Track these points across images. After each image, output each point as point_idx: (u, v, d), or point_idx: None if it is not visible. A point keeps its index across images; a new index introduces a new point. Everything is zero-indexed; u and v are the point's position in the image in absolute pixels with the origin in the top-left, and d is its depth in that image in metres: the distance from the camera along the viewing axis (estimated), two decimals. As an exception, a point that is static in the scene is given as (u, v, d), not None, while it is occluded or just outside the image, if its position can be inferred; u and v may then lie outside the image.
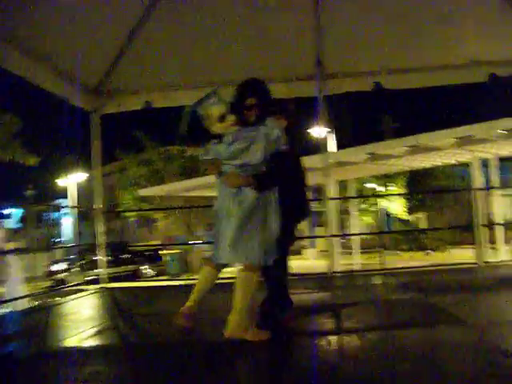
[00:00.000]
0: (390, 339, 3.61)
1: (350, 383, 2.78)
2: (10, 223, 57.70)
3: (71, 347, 3.88)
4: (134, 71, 7.29)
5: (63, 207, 45.09)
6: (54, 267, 22.25)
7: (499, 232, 13.98)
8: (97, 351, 3.74)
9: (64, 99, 7.05)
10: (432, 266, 11.68)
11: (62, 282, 20.42)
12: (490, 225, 15.36)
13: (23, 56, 5.71)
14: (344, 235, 23.55)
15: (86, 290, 7.41)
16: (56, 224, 51.00)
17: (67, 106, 7.27)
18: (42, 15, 5.57)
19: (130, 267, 22.88)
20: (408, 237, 27.17)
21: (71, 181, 28.53)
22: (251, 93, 3.74)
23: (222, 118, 3.67)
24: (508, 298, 4.90)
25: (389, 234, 28.06)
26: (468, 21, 6.49)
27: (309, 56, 7.17)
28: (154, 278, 18.77)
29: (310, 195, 4.39)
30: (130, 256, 23.51)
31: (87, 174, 28.40)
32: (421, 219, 32.23)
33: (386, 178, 28.30)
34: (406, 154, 13.44)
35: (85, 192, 30.94)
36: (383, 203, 26.95)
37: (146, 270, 24.24)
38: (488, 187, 15.46)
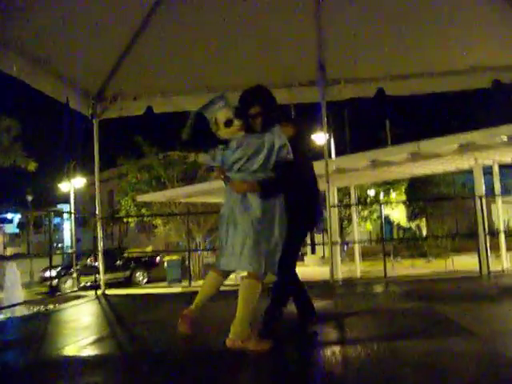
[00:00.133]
0: (394, 349, 3.53)
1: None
2: (11, 228, 57.75)
3: (69, 356, 3.82)
4: (136, 76, 7.25)
5: (62, 213, 45.09)
6: (48, 273, 22.15)
7: (502, 240, 13.88)
8: (95, 360, 3.67)
9: (65, 104, 6.99)
10: (435, 273, 11.62)
11: (56, 288, 20.38)
12: (493, 233, 15.29)
13: (24, 60, 5.66)
14: (345, 243, 23.48)
15: (84, 297, 7.36)
16: (56, 229, 50.98)
17: (68, 110, 7.22)
18: (43, 19, 5.54)
19: (124, 273, 22.84)
20: (409, 244, 27.07)
21: (70, 186, 28.64)
22: (255, 101, 3.68)
23: (228, 123, 3.61)
24: (513, 308, 4.84)
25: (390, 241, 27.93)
26: (471, 27, 6.44)
27: (311, 61, 7.14)
28: (153, 285, 18.68)
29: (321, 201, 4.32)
30: (124, 262, 23.45)
31: (85, 180, 28.46)
32: (422, 226, 32.19)
33: (387, 185, 28.29)
34: (407, 161, 13.38)
35: (82, 198, 31.06)
36: (385, 211, 26.90)
37: (141, 276, 24.18)
38: (489, 194, 15.42)
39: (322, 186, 7.46)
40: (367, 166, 14.35)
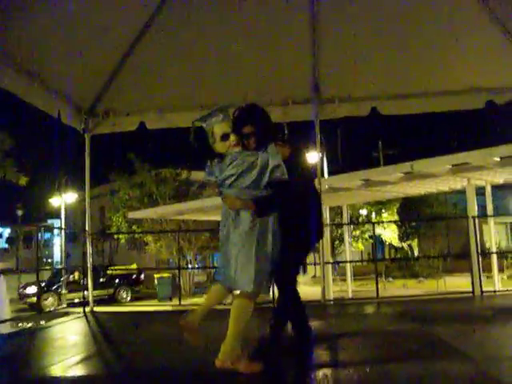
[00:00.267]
0: (386, 372, 3.45)
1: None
2: (0, 243, 57.25)
3: (54, 376, 3.72)
4: (129, 92, 7.21)
5: (52, 228, 44.77)
6: (28, 290, 21.82)
7: (494, 260, 13.86)
8: (81, 380, 3.56)
9: (56, 119, 6.93)
10: (427, 294, 11.55)
11: (35, 305, 20.04)
12: (486, 253, 15.27)
13: (15, 73, 5.60)
14: (337, 262, 23.42)
15: (72, 314, 7.24)
16: (46, 245, 50.58)
17: (59, 125, 7.15)
18: (36, 33, 5.50)
19: (108, 291, 22.61)
20: (401, 264, 27.05)
21: (61, 201, 28.47)
22: (248, 121, 3.62)
23: (224, 137, 3.56)
24: (508, 331, 4.76)
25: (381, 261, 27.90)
26: (466, 48, 6.47)
27: (306, 80, 7.13)
28: (144, 303, 18.47)
29: (323, 219, 4.25)
30: (108, 279, 23.23)
31: (76, 195, 28.29)
32: (413, 246, 32.20)
33: (379, 205, 28.32)
34: (400, 181, 13.38)
35: (73, 213, 30.84)
36: (377, 230, 26.86)
37: (125, 293, 23.94)
38: (481, 214, 15.42)
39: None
40: (360, 185, 14.34)
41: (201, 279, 31.40)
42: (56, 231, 41.35)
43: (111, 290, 23.29)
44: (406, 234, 31.94)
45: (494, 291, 10.10)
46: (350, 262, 20.55)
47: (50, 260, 46.69)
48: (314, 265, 16.63)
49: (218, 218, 3.98)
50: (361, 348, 4.29)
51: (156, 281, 23.36)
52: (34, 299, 20.70)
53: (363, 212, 29.63)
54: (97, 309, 7.54)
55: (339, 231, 26.31)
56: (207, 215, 19.56)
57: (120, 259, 34.75)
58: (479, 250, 8.61)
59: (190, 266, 27.09)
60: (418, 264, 25.27)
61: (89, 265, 7.55)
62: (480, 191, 14.89)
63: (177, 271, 21.00)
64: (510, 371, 3.40)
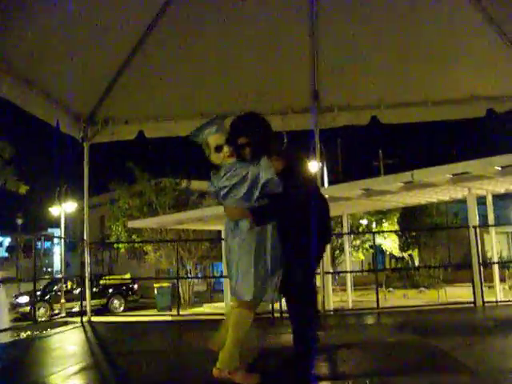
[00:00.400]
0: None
1: None
2: (0, 252, 57.13)
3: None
4: (127, 100, 7.20)
5: (52, 237, 44.66)
6: (19, 300, 21.66)
7: (496, 270, 13.77)
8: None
9: (55, 127, 6.89)
10: (428, 304, 11.47)
11: (28, 314, 19.89)
12: (487, 263, 15.16)
13: (14, 81, 5.57)
14: (337, 272, 23.31)
15: (70, 324, 7.18)
16: (46, 254, 50.43)
17: (60, 134, 7.11)
18: (35, 42, 5.48)
19: (100, 301, 22.44)
20: (401, 274, 26.89)
21: (61, 210, 28.41)
22: (243, 131, 3.58)
23: (218, 149, 3.57)
24: (511, 342, 4.69)
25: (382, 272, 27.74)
26: (466, 57, 6.46)
27: (305, 89, 7.10)
28: (141, 313, 18.32)
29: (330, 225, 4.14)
30: (101, 289, 23.07)
31: (76, 204, 28.21)
32: (414, 256, 32.07)
33: (380, 214, 28.22)
34: (401, 190, 13.32)
35: (73, 222, 30.80)
36: (378, 240, 26.75)
37: (118, 303, 23.77)
38: (483, 224, 15.35)
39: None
40: (360, 194, 14.28)
41: (201, 289, 31.29)
42: (56, 240, 41.19)
43: (104, 300, 23.11)
44: (406, 244, 31.82)
45: (496, 302, 10.01)
46: (351, 272, 20.41)
47: (50, 269, 46.52)
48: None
49: (217, 227, 3.95)
50: (360, 360, 4.22)
51: (155, 290, 23.22)
52: (27, 309, 20.57)
53: (364, 222, 29.54)
54: (94, 318, 7.48)
55: (339, 241, 26.22)
56: (207, 225, 19.48)
57: (120, 269, 34.66)
58: (480, 260, 8.54)
59: (189, 275, 26.97)
60: (418, 274, 25.10)
61: (87, 274, 7.50)
62: (481, 201, 14.83)
63: (176, 281, 20.90)
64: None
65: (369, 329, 6.22)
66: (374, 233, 24.88)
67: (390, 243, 29.49)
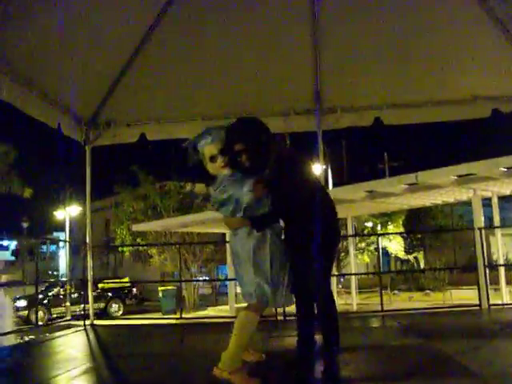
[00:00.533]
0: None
1: None
2: (6, 255, 57.31)
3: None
4: (129, 103, 7.16)
5: (58, 241, 44.71)
6: (17, 303, 21.62)
7: (502, 273, 13.66)
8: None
9: (60, 131, 6.86)
10: (434, 307, 11.36)
11: (26, 319, 19.85)
12: (493, 265, 15.04)
13: (14, 83, 5.53)
14: (342, 275, 23.23)
15: (73, 327, 7.16)
16: (52, 257, 50.52)
17: (64, 137, 7.07)
18: (35, 44, 5.44)
19: (99, 305, 22.26)
20: (407, 276, 26.78)
21: (66, 214, 28.47)
22: (238, 138, 3.54)
23: (212, 159, 3.60)
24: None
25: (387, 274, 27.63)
26: (471, 56, 6.38)
27: (308, 90, 7.04)
28: (147, 316, 18.25)
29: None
30: (99, 293, 22.98)
31: (81, 208, 28.24)
32: (419, 258, 31.95)
33: (384, 217, 28.14)
34: (405, 192, 13.26)
35: (78, 226, 30.86)
36: (383, 243, 26.68)
37: (116, 307, 23.66)
38: (488, 226, 15.25)
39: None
40: (364, 196, 14.22)
41: (206, 292, 31.26)
42: (61, 244, 41.24)
43: (102, 304, 23.01)
44: (411, 246, 31.72)
45: (502, 304, 9.93)
46: (355, 274, 20.34)
47: (55, 272, 46.59)
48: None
49: (222, 230, 3.94)
50: (363, 363, 4.17)
51: (160, 294, 23.18)
52: (25, 313, 20.56)
53: (369, 224, 29.46)
54: (96, 322, 7.46)
55: (344, 243, 26.15)
56: (211, 228, 19.44)
57: (124, 272, 34.64)
58: (486, 262, 8.46)
59: (195, 278, 26.92)
60: (424, 276, 24.98)
61: (89, 277, 7.47)
62: (486, 202, 14.74)
63: (179, 284, 20.85)
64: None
65: (372, 332, 6.15)
66: (378, 235, 24.82)
67: (395, 245, 29.42)
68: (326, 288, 3.77)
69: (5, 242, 56.79)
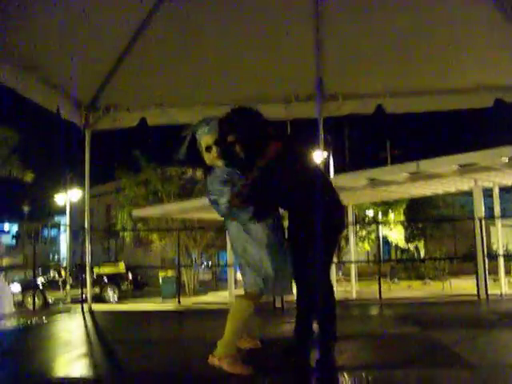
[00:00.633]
0: (384, 378, 3.31)
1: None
2: (7, 239, 57.57)
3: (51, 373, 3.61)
4: (129, 87, 7.09)
5: (59, 225, 44.82)
6: (13, 288, 21.55)
7: (501, 263, 13.64)
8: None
9: (56, 114, 6.82)
10: (432, 296, 11.39)
11: (20, 303, 19.84)
12: (493, 256, 15.03)
13: (13, 67, 5.50)
14: (342, 262, 23.26)
15: (70, 311, 7.19)
16: (53, 241, 50.68)
17: (65, 122, 7.03)
18: (35, 28, 5.40)
19: (93, 290, 22.22)
20: (406, 265, 26.81)
21: (66, 198, 28.49)
22: (230, 129, 3.53)
23: (208, 149, 3.61)
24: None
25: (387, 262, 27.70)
26: (474, 45, 6.30)
27: (309, 77, 6.96)
28: (145, 301, 18.30)
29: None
30: (94, 278, 22.89)
31: (81, 193, 28.23)
32: (420, 248, 31.99)
33: (385, 205, 28.12)
34: (406, 181, 13.20)
35: (79, 210, 30.90)
36: (384, 231, 26.69)
37: (111, 292, 23.68)
38: (489, 216, 15.20)
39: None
40: (366, 184, 14.16)
41: (206, 278, 31.36)
42: (62, 228, 41.35)
43: (97, 289, 22.99)
44: (412, 236, 31.73)
45: (501, 295, 9.93)
46: (355, 262, 20.34)
47: (56, 256, 46.82)
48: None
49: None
50: (359, 351, 4.17)
51: (160, 280, 23.24)
52: (20, 297, 20.50)
53: (370, 213, 29.45)
54: (96, 307, 7.49)
55: (345, 231, 26.17)
56: (212, 213, 19.41)
57: (126, 257, 34.75)
58: (486, 253, 8.44)
59: (195, 264, 26.99)
60: (423, 266, 25.01)
61: (87, 262, 7.47)
62: (487, 193, 14.68)
63: (181, 269, 20.88)
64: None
65: (370, 320, 6.17)
66: (378, 223, 24.81)
67: (395, 234, 29.42)
68: (326, 277, 3.75)
69: (6, 226, 57.00)
